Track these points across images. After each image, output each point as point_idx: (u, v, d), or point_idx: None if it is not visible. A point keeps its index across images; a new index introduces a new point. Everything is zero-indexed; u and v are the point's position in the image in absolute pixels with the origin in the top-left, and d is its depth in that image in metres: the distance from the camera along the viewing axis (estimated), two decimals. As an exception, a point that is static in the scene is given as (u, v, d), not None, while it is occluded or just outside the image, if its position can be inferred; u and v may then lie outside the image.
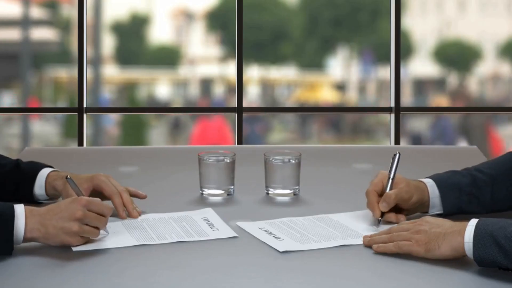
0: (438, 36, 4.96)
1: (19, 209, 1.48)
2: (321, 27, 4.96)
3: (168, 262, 1.45)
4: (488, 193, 1.72)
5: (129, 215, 1.74)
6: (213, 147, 2.87)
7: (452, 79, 5.01)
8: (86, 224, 1.50)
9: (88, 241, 1.52)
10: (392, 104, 4.71)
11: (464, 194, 1.71)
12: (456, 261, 1.43)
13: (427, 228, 1.46)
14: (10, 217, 1.46)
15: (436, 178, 1.74)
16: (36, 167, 1.84)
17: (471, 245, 1.38)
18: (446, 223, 1.46)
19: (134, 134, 5.02)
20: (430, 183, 1.73)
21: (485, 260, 1.37)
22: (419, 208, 1.72)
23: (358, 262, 1.46)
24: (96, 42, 4.83)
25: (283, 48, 4.96)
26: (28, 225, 1.47)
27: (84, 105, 4.65)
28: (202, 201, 1.91)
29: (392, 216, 1.69)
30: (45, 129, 4.95)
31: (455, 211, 1.71)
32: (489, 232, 1.37)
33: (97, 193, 1.76)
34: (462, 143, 4.77)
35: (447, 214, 1.70)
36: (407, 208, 1.70)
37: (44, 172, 1.82)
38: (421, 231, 1.46)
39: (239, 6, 4.65)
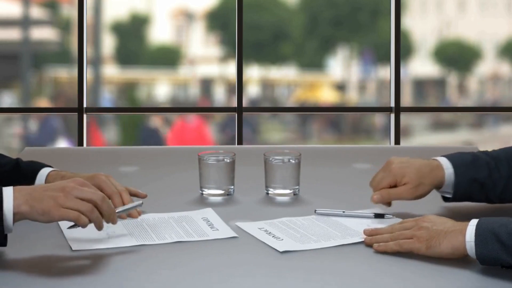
0: (438, 36, 4.96)
1: (8, 191, 1.43)
2: (321, 27, 4.96)
3: (168, 262, 1.45)
4: (500, 188, 1.74)
5: (129, 215, 1.74)
6: (213, 147, 2.87)
7: (452, 79, 5.01)
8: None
9: (74, 220, 1.42)
10: (392, 104, 4.71)
11: (477, 185, 1.73)
12: (458, 260, 1.43)
13: (429, 226, 1.47)
14: None
15: (456, 165, 1.74)
16: (36, 167, 1.84)
17: (472, 244, 1.39)
18: (448, 222, 1.47)
19: (134, 134, 5.02)
20: (448, 171, 1.74)
21: (487, 257, 1.37)
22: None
23: (358, 261, 1.46)
24: (96, 42, 4.83)
25: (283, 48, 4.96)
26: (15, 201, 1.42)
27: (84, 105, 4.65)
28: (202, 201, 1.91)
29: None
30: (45, 129, 4.94)
31: (464, 199, 1.76)
32: (491, 229, 1.38)
33: None
34: (64, 143, 4.81)
35: (454, 198, 1.75)
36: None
37: (44, 172, 1.83)
38: (423, 227, 1.47)
39: (239, 6, 4.65)
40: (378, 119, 4.96)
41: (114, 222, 1.48)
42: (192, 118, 4.94)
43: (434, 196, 1.79)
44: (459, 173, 1.74)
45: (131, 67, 4.97)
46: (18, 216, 1.42)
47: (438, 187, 1.75)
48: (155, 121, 4.88)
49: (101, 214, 1.46)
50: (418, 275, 1.38)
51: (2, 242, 1.44)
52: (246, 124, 4.77)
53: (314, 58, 4.96)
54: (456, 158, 1.76)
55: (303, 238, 1.58)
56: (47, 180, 1.81)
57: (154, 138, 4.88)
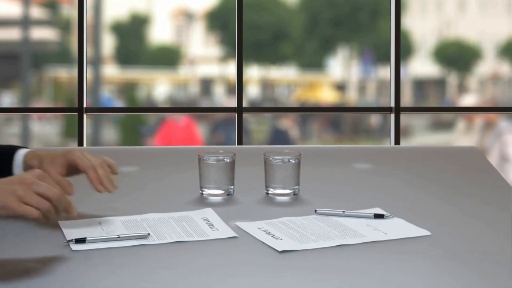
0: (438, 36, 4.96)
1: None
2: (321, 27, 4.96)
3: (168, 262, 1.45)
4: None
5: (105, 189, 1.73)
6: (213, 147, 2.87)
7: (452, 79, 5.01)
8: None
9: (40, 215, 1.43)
10: (392, 104, 4.71)
11: None
12: (458, 260, 1.42)
13: None
14: None
15: None
16: (13, 148, 1.86)
17: None
18: None
19: (134, 134, 5.02)
20: None
21: None
22: None
23: (357, 261, 1.46)
24: (96, 42, 4.83)
25: (283, 48, 4.96)
26: None
27: (84, 105, 4.65)
28: (202, 201, 1.91)
29: None
30: (45, 129, 4.95)
31: None
32: None
33: (73, 168, 1.76)
34: None
35: None
36: None
37: (21, 152, 1.83)
38: None
39: (239, 6, 4.65)
40: (373, 118, 4.96)
41: (70, 214, 1.47)
42: (182, 117, 4.94)
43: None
44: None
45: (131, 67, 4.97)
46: None
47: None
48: (285, 122, 4.85)
49: (56, 209, 1.45)
50: (419, 275, 1.38)
51: None
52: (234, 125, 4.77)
53: (314, 58, 4.96)
54: None
55: (303, 238, 1.58)
56: (24, 161, 1.81)
57: (283, 139, 4.83)
